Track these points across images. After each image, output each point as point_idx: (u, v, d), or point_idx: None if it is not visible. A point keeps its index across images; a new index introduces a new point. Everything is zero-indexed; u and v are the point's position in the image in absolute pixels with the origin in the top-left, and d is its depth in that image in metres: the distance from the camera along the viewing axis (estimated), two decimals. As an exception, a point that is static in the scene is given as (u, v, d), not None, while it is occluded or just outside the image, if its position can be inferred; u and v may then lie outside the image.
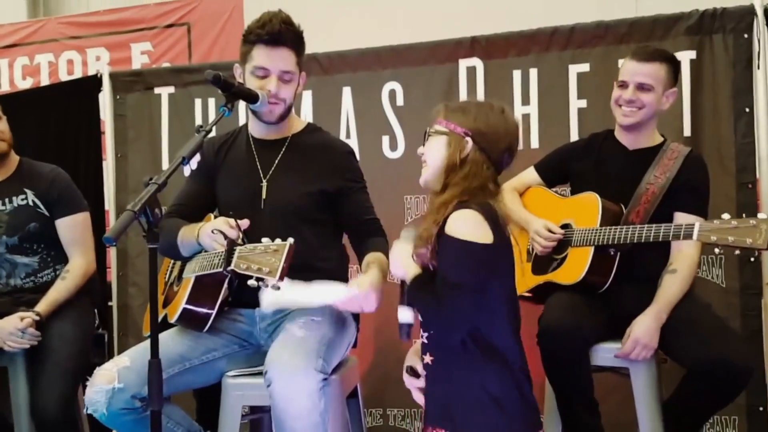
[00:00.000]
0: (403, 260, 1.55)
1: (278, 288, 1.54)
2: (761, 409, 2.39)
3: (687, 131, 2.53)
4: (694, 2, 2.56)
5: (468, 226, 1.46)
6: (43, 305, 2.31)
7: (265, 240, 1.53)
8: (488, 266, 1.47)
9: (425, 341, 1.56)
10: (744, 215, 2.32)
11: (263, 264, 1.48)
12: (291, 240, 1.51)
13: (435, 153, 1.56)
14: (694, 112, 2.53)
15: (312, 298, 1.76)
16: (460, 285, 1.44)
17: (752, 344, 2.39)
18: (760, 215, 1.71)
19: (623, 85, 2.13)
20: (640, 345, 1.95)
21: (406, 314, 1.56)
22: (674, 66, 2.15)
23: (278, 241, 1.52)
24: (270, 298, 1.75)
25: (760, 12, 2.42)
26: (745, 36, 2.46)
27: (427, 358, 1.55)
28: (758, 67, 2.43)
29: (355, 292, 1.67)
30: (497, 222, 1.49)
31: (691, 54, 2.53)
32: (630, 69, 2.13)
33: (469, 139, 1.52)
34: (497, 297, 1.50)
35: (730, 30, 2.48)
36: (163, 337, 1.87)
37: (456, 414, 1.49)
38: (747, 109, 2.46)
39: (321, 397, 1.67)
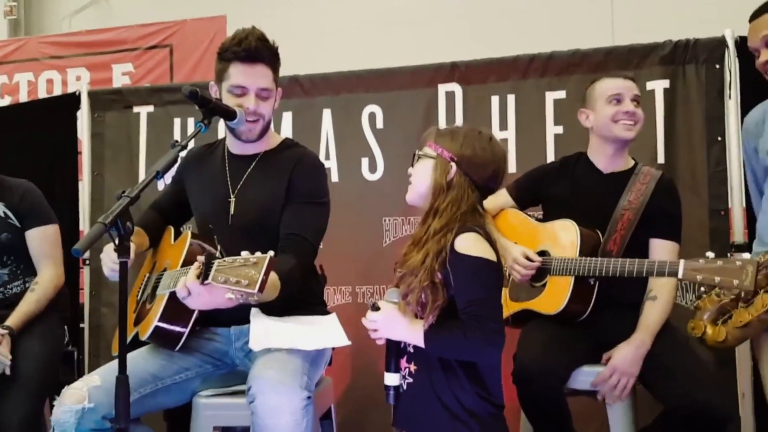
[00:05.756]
0: (401, 322, 1.55)
1: (256, 300, 1.53)
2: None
3: (661, 158, 2.58)
4: (669, 32, 2.62)
5: (478, 245, 1.51)
6: (14, 319, 2.26)
7: (244, 253, 1.51)
8: (500, 284, 1.54)
9: (411, 350, 1.56)
10: (718, 244, 2.39)
11: (242, 276, 1.46)
12: (271, 253, 1.50)
13: (421, 175, 1.61)
14: (668, 140, 2.58)
15: (308, 344, 1.76)
16: (487, 300, 1.49)
17: (724, 371, 2.40)
18: (745, 255, 1.73)
19: (618, 100, 2.13)
20: (619, 372, 1.95)
21: (392, 378, 1.58)
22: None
23: (258, 253, 1.50)
24: (261, 338, 1.74)
25: (731, 43, 2.50)
26: (717, 66, 2.53)
27: (412, 367, 1.56)
28: (729, 97, 2.49)
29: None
30: (493, 244, 1.55)
31: (665, 83, 2.59)
32: (619, 84, 2.15)
33: (453, 164, 1.56)
34: None
35: (702, 60, 2.55)
36: (135, 355, 1.84)
37: (430, 421, 1.52)
38: (719, 138, 2.52)
39: (304, 416, 1.65)
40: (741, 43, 2.49)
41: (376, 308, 1.58)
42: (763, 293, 1.80)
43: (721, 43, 2.52)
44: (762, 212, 2.00)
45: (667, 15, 3.20)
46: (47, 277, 2.38)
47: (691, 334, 1.96)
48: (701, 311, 1.94)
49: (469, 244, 1.51)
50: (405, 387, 1.57)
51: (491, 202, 2.32)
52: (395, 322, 1.55)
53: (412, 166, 1.66)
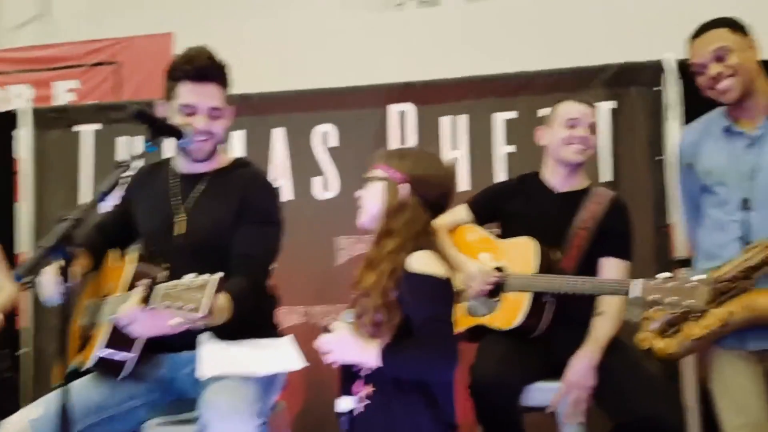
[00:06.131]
0: (355, 343, 1.53)
1: (205, 324, 1.48)
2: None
3: (607, 176, 2.65)
4: (616, 54, 2.72)
5: (431, 264, 1.52)
6: None
7: (189, 276, 1.47)
8: (452, 300, 1.55)
9: (366, 373, 1.55)
10: (662, 259, 2.45)
11: (187, 300, 1.42)
12: (220, 274, 1.45)
13: (373, 198, 1.61)
14: (615, 159, 2.66)
15: (261, 368, 1.72)
16: (442, 317, 1.49)
17: (670, 384, 2.45)
18: (698, 276, 1.72)
19: (573, 125, 2.18)
20: (574, 387, 1.97)
21: (345, 403, 1.56)
22: None
23: (205, 276, 1.45)
24: (210, 365, 1.69)
25: (668, 66, 2.59)
26: (655, 89, 2.62)
27: (368, 389, 1.55)
28: (666, 118, 2.58)
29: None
30: (445, 261, 1.56)
31: (613, 104, 2.68)
32: (579, 109, 2.20)
33: (406, 184, 1.57)
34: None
35: (644, 83, 2.65)
36: (78, 385, 1.76)
37: None
38: (658, 157, 2.60)
39: None
40: (683, 64, 2.59)
41: (328, 331, 1.56)
42: (715, 307, 1.84)
43: (659, 66, 2.61)
44: (703, 227, 2.06)
45: (611, 38, 3.31)
46: (8, 290, 2.33)
47: (639, 345, 1.99)
48: (648, 322, 1.96)
49: (424, 262, 1.51)
50: (363, 409, 1.55)
51: (449, 218, 2.34)
52: (348, 344, 1.53)
53: (362, 189, 1.66)
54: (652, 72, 2.63)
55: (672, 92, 2.59)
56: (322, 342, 1.56)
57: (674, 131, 2.55)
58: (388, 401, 1.52)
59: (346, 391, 1.56)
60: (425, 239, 1.56)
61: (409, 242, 1.54)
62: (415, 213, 1.57)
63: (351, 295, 1.59)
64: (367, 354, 1.50)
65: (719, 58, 1.94)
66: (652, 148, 2.63)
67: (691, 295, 1.67)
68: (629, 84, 2.66)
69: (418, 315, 1.49)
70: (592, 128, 2.20)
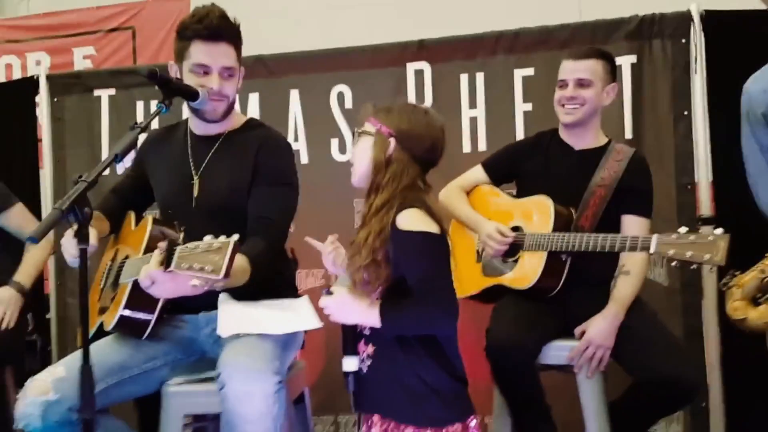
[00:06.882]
0: (354, 305, 1.52)
1: (223, 286, 1.49)
2: (703, 404, 2.45)
3: (629, 133, 2.59)
4: (635, 8, 2.62)
5: (420, 220, 1.49)
6: (24, 276, 2.32)
7: (206, 238, 1.47)
8: (447, 256, 1.52)
9: (367, 333, 1.55)
10: (685, 217, 2.40)
11: (206, 263, 1.42)
12: (235, 236, 1.45)
13: (361, 155, 1.59)
14: (636, 115, 2.59)
15: (279, 328, 1.73)
16: (436, 273, 1.47)
17: (693, 342, 2.45)
18: (717, 231, 1.70)
19: (563, 85, 2.17)
20: (594, 345, 1.97)
21: (350, 363, 1.55)
22: (610, 62, 2.19)
23: (222, 238, 1.45)
24: (229, 324, 1.70)
25: (696, 18, 2.50)
26: (683, 41, 2.54)
27: (369, 349, 1.55)
28: (695, 72, 2.50)
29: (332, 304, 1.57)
30: (436, 217, 1.53)
31: (632, 58, 2.60)
32: (567, 68, 2.17)
33: (392, 138, 1.55)
34: None
35: (668, 35, 2.56)
36: (100, 345, 1.79)
37: (393, 401, 1.51)
38: (685, 113, 2.53)
39: (276, 401, 1.62)
40: (707, 17, 2.50)
41: (329, 293, 1.56)
42: None
43: (686, 17, 2.53)
44: None
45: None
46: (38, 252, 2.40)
47: (732, 316, 1.87)
48: (736, 290, 1.84)
49: (411, 220, 1.49)
50: (365, 370, 1.56)
51: (466, 179, 2.33)
52: (347, 305, 1.53)
53: (353, 145, 1.64)
54: (676, 24, 2.54)
55: (699, 45, 2.50)
56: (322, 304, 1.56)
57: (701, 85, 2.48)
58: (393, 359, 1.51)
59: (352, 351, 1.56)
60: (414, 195, 1.53)
61: (396, 198, 1.51)
62: (401, 167, 1.54)
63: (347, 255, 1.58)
64: (367, 314, 1.50)
65: None
66: (675, 103, 2.55)
67: (708, 250, 1.65)
68: (652, 37, 2.58)
69: (412, 274, 1.48)
70: (582, 83, 2.13)
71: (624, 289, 2.04)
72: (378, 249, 1.49)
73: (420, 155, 1.56)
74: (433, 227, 1.50)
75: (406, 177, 1.53)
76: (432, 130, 1.58)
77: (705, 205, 2.49)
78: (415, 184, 1.55)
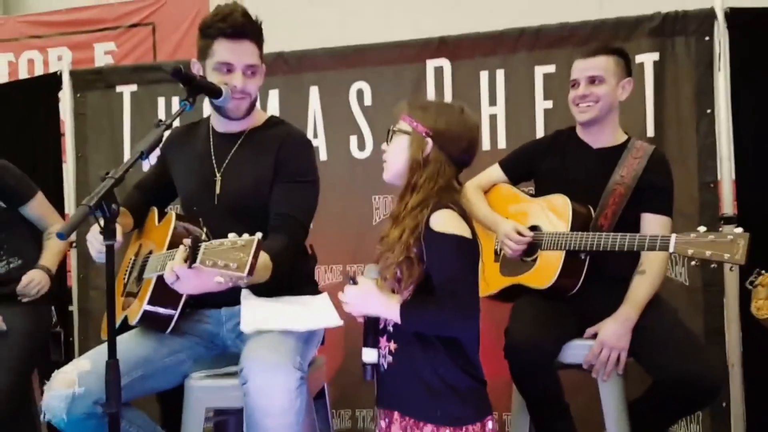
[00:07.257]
0: (378, 297, 1.53)
1: (246, 283, 1.50)
2: (724, 404, 2.43)
3: (650, 132, 2.57)
4: (657, 4, 2.59)
5: (453, 223, 1.50)
6: (49, 262, 2.40)
7: (231, 235, 1.48)
8: (476, 260, 1.53)
9: (390, 329, 1.56)
10: (707, 216, 2.37)
11: (230, 259, 1.44)
12: (259, 234, 1.46)
13: (397, 152, 1.58)
14: (658, 113, 2.57)
15: (300, 325, 1.74)
16: (462, 277, 1.47)
17: (713, 341, 2.43)
18: (737, 229, 1.70)
19: (575, 84, 2.16)
20: (607, 347, 1.96)
21: (370, 354, 1.57)
22: (623, 57, 2.17)
23: (246, 235, 1.47)
24: (252, 320, 1.72)
25: (720, 15, 2.48)
26: (706, 39, 2.51)
27: (391, 345, 1.56)
28: (719, 69, 2.48)
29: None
30: (468, 219, 1.54)
31: (655, 56, 2.57)
32: (578, 67, 2.17)
33: (429, 139, 1.55)
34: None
35: (691, 32, 2.54)
36: (125, 339, 1.82)
37: (412, 399, 1.52)
38: (708, 110, 2.51)
39: (298, 396, 1.63)
40: (731, 14, 2.47)
41: (354, 283, 1.57)
42: None
43: (710, 14, 2.50)
44: None
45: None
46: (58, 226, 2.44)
47: (756, 315, 1.89)
48: (762, 289, 1.88)
49: (445, 221, 1.49)
50: (386, 366, 1.57)
51: (484, 178, 2.33)
52: (371, 297, 1.54)
53: (387, 142, 1.63)
54: (699, 21, 2.52)
55: (723, 42, 2.48)
56: (346, 293, 1.57)
57: (725, 83, 2.46)
58: (413, 356, 1.52)
59: (373, 343, 1.57)
60: (449, 196, 1.53)
61: (432, 198, 1.52)
62: (438, 168, 1.54)
63: (377, 250, 1.59)
64: (388, 309, 1.51)
65: None
66: (698, 101, 2.52)
67: (728, 250, 1.64)
68: (675, 34, 2.55)
69: (439, 275, 1.48)
70: (593, 80, 2.12)
71: (638, 289, 2.03)
72: (411, 247, 1.50)
73: (456, 156, 1.56)
74: (465, 231, 1.51)
75: (443, 178, 1.54)
76: (468, 130, 1.58)
77: (727, 203, 2.47)
78: (450, 185, 1.55)
